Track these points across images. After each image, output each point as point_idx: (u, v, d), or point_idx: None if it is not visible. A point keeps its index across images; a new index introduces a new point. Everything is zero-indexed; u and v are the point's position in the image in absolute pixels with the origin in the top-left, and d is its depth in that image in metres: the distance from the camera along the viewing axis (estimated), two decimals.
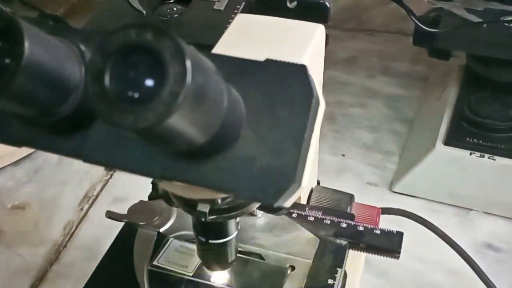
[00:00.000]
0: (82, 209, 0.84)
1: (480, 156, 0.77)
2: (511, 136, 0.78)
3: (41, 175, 0.89)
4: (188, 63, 0.24)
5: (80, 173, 0.89)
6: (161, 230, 0.54)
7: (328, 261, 0.50)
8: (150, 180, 0.86)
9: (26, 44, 0.27)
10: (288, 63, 0.32)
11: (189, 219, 0.54)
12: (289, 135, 0.31)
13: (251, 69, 0.32)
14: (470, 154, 0.78)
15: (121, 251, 0.53)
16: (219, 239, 0.46)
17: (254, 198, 0.31)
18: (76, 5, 1.25)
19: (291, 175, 0.30)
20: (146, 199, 0.85)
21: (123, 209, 0.83)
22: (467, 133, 0.79)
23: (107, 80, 0.25)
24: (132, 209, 0.55)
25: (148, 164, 0.32)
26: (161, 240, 0.53)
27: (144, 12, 0.83)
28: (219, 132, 0.29)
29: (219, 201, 0.43)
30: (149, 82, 0.25)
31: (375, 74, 1.07)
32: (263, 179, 0.31)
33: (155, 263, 0.51)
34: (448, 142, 0.79)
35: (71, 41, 0.32)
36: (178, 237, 0.53)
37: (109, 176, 0.89)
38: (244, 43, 0.51)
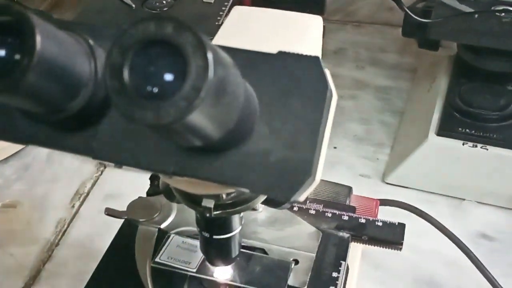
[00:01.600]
0: (73, 206, 0.83)
1: (473, 146, 0.78)
2: (503, 126, 0.79)
3: (30, 172, 0.88)
4: (210, 56, 0.24)
5: (70, 170, 0.88)
6: (162, 226, 0.53)
7: (331, 254, 0.50)
8: (142, 176, 0.85)
9: (38, 39, 0.26)
10: (302, 55, 0.31)
11: (189, 214, 0.54)
12: (304, 129, 0.30)
13: (263, 62, 0.31)
14: (463, 144, 0.78)
15: (122, 249, 0.52)
16: (224, 234, 0.46)
17: (270, 193, 0.31)
18: None
19: (307, 169, 0.30)
20: (139, 195, 0.84)
21: (115, 206, 0.82)
22: (459, 123, 0.79)
23: (126, 75, 0.24)
24: (132, 205, 0.54)
25: (160, 160, 0.31)
26: (162, 236, 0.52)
27: (133, 5, 0.82)
28: (235, 127, 0.29)
29: (224, 196, 0.42)
30: (170, 77, 0.24)
31: (364, 65, 1.07)
32: (279, 174, 0.30)
33: (157, 259, 0.50)
34: (440, 132, 0.79)
35: (79, 35, 0.31)
36: (179, 233, 0.52)
37: (99, 172, 0.88)
38: (243, 36, 0.51)
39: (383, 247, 0.52)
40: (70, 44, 0.29)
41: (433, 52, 0.93)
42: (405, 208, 0.68)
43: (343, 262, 0.49)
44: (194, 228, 0.53)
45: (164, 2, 0.82)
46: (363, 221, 0.52)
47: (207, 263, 0.49)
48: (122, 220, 0.79)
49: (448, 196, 0.82)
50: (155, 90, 0.24)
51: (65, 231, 0.80)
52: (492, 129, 0.78)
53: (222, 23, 0.78)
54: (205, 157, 0.31)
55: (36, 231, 0.79)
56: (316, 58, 0.31)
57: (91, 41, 0.31)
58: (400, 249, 0.52)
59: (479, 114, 0.79)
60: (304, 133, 0.30)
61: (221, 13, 0.80)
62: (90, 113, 0.31)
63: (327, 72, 0.31)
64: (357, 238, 0.52)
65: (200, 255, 0.50)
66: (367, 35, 1.14)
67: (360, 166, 0.88)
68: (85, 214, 0.83)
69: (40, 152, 0.90)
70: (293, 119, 0.30)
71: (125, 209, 0.82)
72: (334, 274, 0.48)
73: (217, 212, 0.43)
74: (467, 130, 0.78)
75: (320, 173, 0.32)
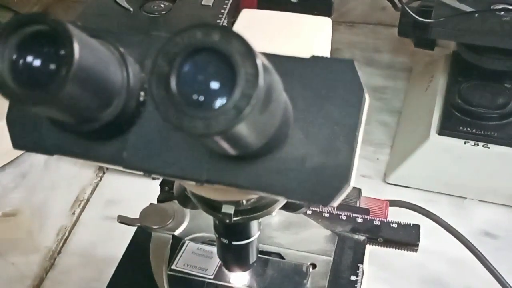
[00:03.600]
0: (74, 213, 0.82)
1: (475, 145, 0.78)
2: (504, 124, 0.79)
3: (28, 180, 0.87)
4: (260, 63, 0.23)
5: (69, 176, 0.87)
6: (176, 233, 0.52)
7: (348, 258, 0.50)
8: (142, 181, 0.85)
9: (76, 49, 0.25)
10: (336, 58, 0.31)
11: (203, 220, 0.53)
12: (341, 133, 0.30)
13: (296, 66, 0.31)
14: (465, 143, 0.78)
15: (136, 256, 0.52)
16: (243, 240, 0.45)
17: (307, 199, 0.30)
18: (50, 4, 1.22)
19: (345, 175, 0.30)
20: (140, 200, 0.84)
21: (117, 212, 0.81)
22: (460, 122, 0.79)
23: (173, 84, 0.24)
24: (144, 212, 0.53)
25: (193, 168, 0.31)
26: (177, 243, 0.51)
27: (131, 9, 0.81)
28: (274, 133, 0.29)
29: (244, 201, 0.42)
30: (218, 85, 0.24)
31: (359, 66, 1.05)
32: (316, 180, 0.30)
33: (173, 267, 0.50)
34: (442, 131, 0.79)
35: (109, 43, 0.30)
36: (194, 240, 0.52)
37: (98, 178, 0.87)
38: (255, 39, 0.50)
39: (398, 249, 0.52)
40: (103, 52, 0.28)
41: (427, 51, 0.94)
42: (412, 209, 0.68)
43: (360, 265, 0.49)
44: (208, 234, 0.53)
45: (162, 5, 0.81)
46: (377, 223, 0.52)
47: (224, 269, 0.49)
48: (124, 226, 0.79)
49: (449, 195, 0.82)
50: (204, 98, 0.24)
51: (66, 238, 0.79)
52: (493, 127, 0.78)
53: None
54: (239, 164, 0.31)
55: (37, 240, 0.78)
56: (350, 61, 0.31)
57: (121, 49, 0.30)
58: (416, 250, 0.52)
59: (480, 112, 0.79)
60: (341, 138, 0.30)
61: (220, 16, 0.79)
62: (121, 122, 0.31)
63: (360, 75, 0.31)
64: (373, 240, 0.52)
65: (216, 262, 0.50)
66: (361, 35, 1.15)
67: (360, 166, 0.87)
68: (86, 220, 0.82)
69: (37, 159, 0.89)
70: (329, 124, 0.30)
71: (127, 214, 0.82)
72: (353, 278, 0.48)
73: (237, 218, 0.42)
74: (468, 128, 0.79)
75: (354, 178, 0.32)
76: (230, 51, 0.23)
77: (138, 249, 0.52)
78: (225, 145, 0.27)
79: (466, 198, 0.81)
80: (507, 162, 0.77)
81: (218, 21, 0.78)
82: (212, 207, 0.43)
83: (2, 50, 0.26)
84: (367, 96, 0.32)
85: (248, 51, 0.23)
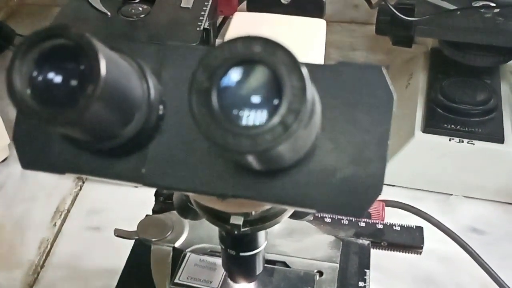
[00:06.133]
0: (55, 224, 0.80)
1: (460, 142, 0.78)
2: (487, 120, 0.79)
3: (5, 192, 0.84)
4: (307, 75, 0.22)
5: (48, 187, 0.84)
6: (176, 245, 0.51)
7: (354, 263, 0.49)
8: (123, 189, 0.83)
9: (103, 64, 0.24)
10: (364, 64, 0.30)
11: (203, 230, 0.52)
12: (371, 142, 0.29)
13: (322, 73, 0.30)
14: (449, 140, 0.78)
15: (137, 270, 0.50)
16: (250, 251, 0.44)
17: (339, 212, 0.29)
18: (15, 8, 1.18)
19: (378, 185, 0.29)
20: (122, 208, 0.82)
21: (99, 221, 0.80)
22: (444, 119, 0.79)
23: (214, 100, 0.22)
24: (142, 224, 0.51)
25: (217, 183, 0.30)
26: (178, 255, 0.50)
27: (109, 13, 0.79)
28: None
29: (253, 212, 0.41)
30: (263, 100, 0.22)
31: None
32: (347, 192, 0.29)
33: (177, 280, 0.48)
34: (426, 129, 0.79)
35: (127, 55, 0.29)
36: (195, 251, 0.50)
37: (78, 188, 0.85)
38: None
39: (403, 252, 0.51)
40: (124, 65, 0.27)
41: (403, 49, 0.94)
42: (402, 208, 0.68)
43: (367, 271, 0.48)
44: (209, 245, 0.51)
45: (140, 9, 0.79)
46: (380, 226, 0.51)
47: (229, 281, 0.47)
48: (108, 236, 0.77)
49: (435, 192, 0.82)
50: (248, 114, 0.22)
51: (49, 251, 0.76)
52: (476, 123, 0.79)
53: (204, 28, 0.77)
54: (265, 177, 0.29)
55: (19, 254, 0.75)
56: (379, 67, 0.30)
57: (140, 61, 0.29)
58: (420, 253, 0.51)
59: (463, 109, 0.79)
60: (372, 147, 0.29)
61: (201, 18, 0.77)
62: (140, 137, 0.29)
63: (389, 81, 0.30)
64: (377, 244, 0.51)
65: (220, 273, 0.48)
66: (336, 33, 1.14)
67: None
68: (68, 232, 0.79)
69: (14, 169, 0.86)
70: (358, 132, 0.29)
71: (110, 223, 0.79)
72: (361, 284, 0.47)
73: (245, 228, 0.41)
74: (452, 125, 0.79)
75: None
76: (274, 63, 0.22)
77: (138, 262, 0.50)
78: (259, 161, 0.25)
79: (451, 194, 0.82)
80: (492, 157, 0.78)
81: (200, 23, 0.76)
82: (219, 218, 0.42)
83: (20, 66, 0.24)
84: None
85: (293, 62, 0.22)
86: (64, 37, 0.24)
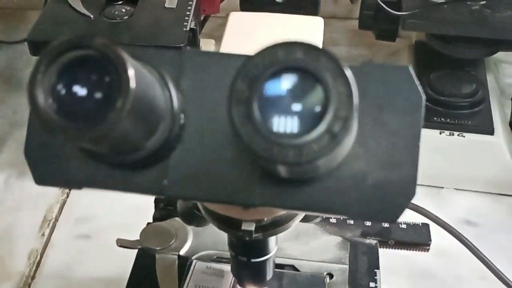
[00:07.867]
0: (43, 234, 0.78)
1: (450, 135, 0.78)
2: (475, 112, 0.79)
3: None
4: (352, 80, 0.21)
5: (33, 196, 0.82)
6: (181, 253, 0.49)
7: (364, 264, 0.48)
8: (111, 196, 0.81)
9: (132, 77, 0.22)
10: (391, 65, 0.29)
11: (208, 237, 0.51)
12: (403, 145, 0.28)
13: None
14: (440, 133, 0.78)
15: (143, 280, 0.48)
16: (261, 257, 0.43)
17: (371, 218, 0.28)
18: None
19: (411, 189, 0.28)
20: (111, 215, 0.80)
21: (88, 230, 0.78)
22: (434, 112, 0.79)
23: (256, 109, 0.21)
24: (144, 233, 0.50)
25: (242, 192, 0.29)
26: (183, 263, 0.49)
27: (91, 16, 0.77)
28: None
29: (265, 218, 0.40)
30: (308, 108, 0.21)
31: None
32: (379, 197, 0.28)
33: None
34: None
35: (148, 63, 0.27)
36: (200, 258, 0.49)
37: (65, 195, 0.83)
38: (251, 42, 0.48)
39: (410, 250, 0.51)
40: (147, 75, 0.26)
41: (385, 42, 0.93)
42: None
43: (377, 271, 0.48)
44: (215, 251, 0.50)
45: (124, 10, 0.78)
46: (386, 225, 0.51)
47: (238, 286, 0.46)
48: (99, 244, 0.75)
49: (426, 185, 0.82)
50: (293, 124, 0.21)
51: (39, 262, 0.74)
52: (466, 116, 0.79)
53: (190, 29, 0.75)
54: (293, 184, 0.28)
55: (8, 266, 0.73)
56: (406, 68, 0.29)
57: (161, 69, 0.27)
58: (428, 250, 0.51)
59: (452, 102, 0.79)
60: (404, 150, 0.28)
61: (186, 18, 0.76)
62: (163, 148, 0.28)
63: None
64: (384, 243, 0.50)
65: (229, 280, 0.47)
66: None
67: None
68: (58, 241, 0.77)
69: None
70: (388, 135, 0.28)
71: (99, 231, 0.78)
72: (372, 284, 0.47)
73: (257, 234, 0.40)
74: (442, 119, 0.79)
75: None
76: (318, 69, 0.21)
77: (144, 272, 0.49)
78: (295, 171, 0.24)
79: (443, 187, 0.81)
80: (483, 149, 0.78)
81: (185, 23, 0.75)
82: (230, 224, 0.41)
83: (42, 79, 0.23)
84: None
85: (338, 68, 0.21)
86: (88, 48, 0.23)
